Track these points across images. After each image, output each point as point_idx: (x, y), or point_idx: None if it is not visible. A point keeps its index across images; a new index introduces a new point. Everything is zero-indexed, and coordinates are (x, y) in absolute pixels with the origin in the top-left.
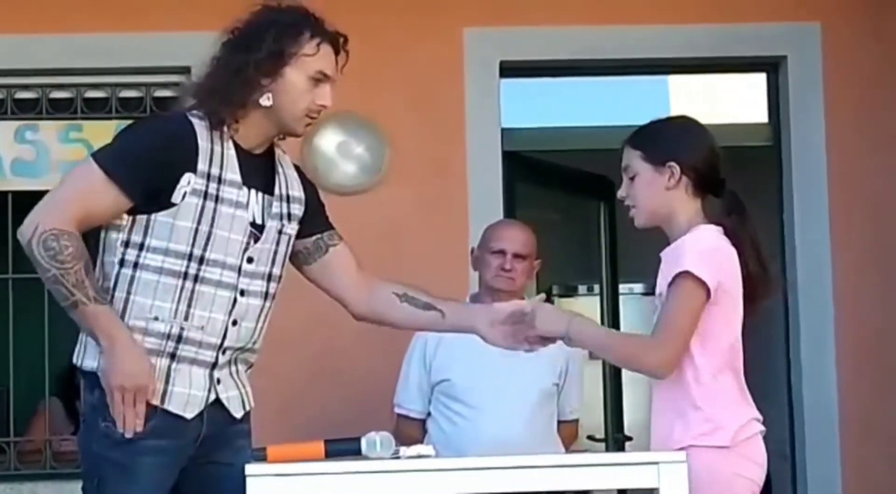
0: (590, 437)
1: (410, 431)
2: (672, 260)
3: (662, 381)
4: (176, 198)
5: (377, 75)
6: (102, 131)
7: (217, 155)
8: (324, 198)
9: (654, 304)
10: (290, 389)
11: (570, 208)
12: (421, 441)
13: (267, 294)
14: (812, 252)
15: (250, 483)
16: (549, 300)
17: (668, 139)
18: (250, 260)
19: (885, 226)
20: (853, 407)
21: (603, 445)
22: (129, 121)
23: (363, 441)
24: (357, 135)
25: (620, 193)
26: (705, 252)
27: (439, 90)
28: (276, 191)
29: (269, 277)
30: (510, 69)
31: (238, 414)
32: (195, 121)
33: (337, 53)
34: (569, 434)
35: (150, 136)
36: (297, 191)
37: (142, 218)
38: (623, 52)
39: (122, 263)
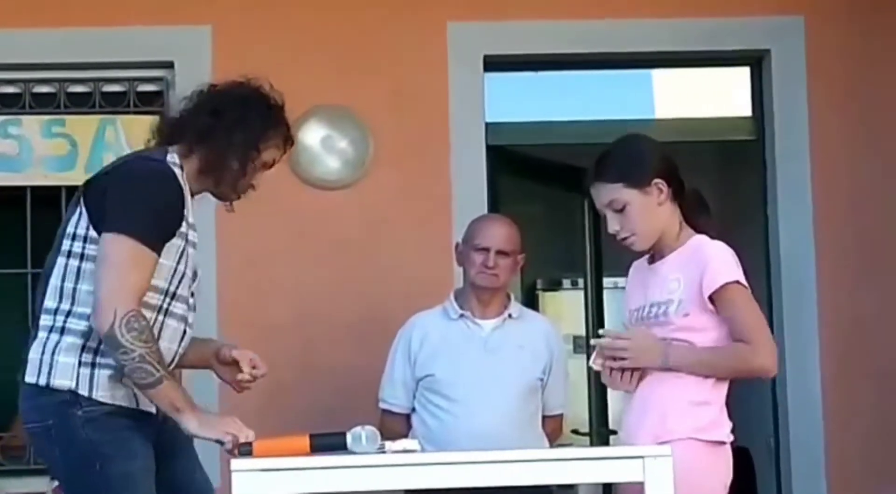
0: (574, 431)
1: (395, 426)
2: (694, 269)
3: (665, 377)
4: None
5: (361, 69)
6: (85, 125)
7: (188, 199)
8: (308, 191)
9: (656, 310)
10: (275, 383)
11: (554, 202)
12: (405, 436)
13: (192, 323)
14: (795, 246)
15: (236, 478)
16: (533, 294)
17: (641, 161)
18: (192, 294)
19: (868, 220)
20: (837, 400)
21: (587, 439)
22: (112, 116)
23: (349, 436)
24: (341, 129)
25: (613, 228)
26: (731, 260)
27: (423, 84)
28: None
29: (195, 307)
30: (494, 63)
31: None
32: (176, 171)
33: (286, 149)
34: (554, 429)
35: (162, 194)
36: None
37: None
38: (607, 46)
39: None
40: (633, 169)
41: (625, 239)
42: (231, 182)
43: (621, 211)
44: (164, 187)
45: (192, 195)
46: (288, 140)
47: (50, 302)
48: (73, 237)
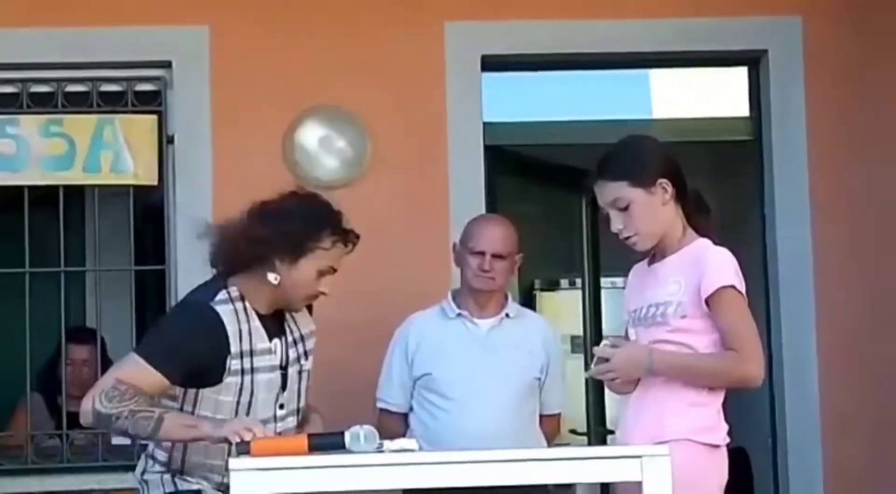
0: (572, 431)
1: (392, 425)
2: (694, 272)
3: (663, 378)
4: (222, 377)
5: (359, 69)
6: (83, 125)
7: (245, 332)
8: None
9: (654, 311)
10: None
11: (551, 202)
12: (403, 436)
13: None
14: (793, 246)
15: (234, 478)
16: (531, 294)
17: (647, 160)
18: (281, 407)
19: (866, 220)
20: (834, 401)
21: (585, 439)
22: (110, 116)
23: (347, 435)
24: (339, 129)
25: (616, 227)
26: (731, 266)
27: (421, 84)
28: (289, 337)
29: (298, 411)
30: (492, 63)
31: None
32: (220, 308)
33: (348, 250)
34: (551, 429)
35: (183, 332)
36: (309, 326)
37: (191, 392)
38: (604, 46)
39: None
40: (637, 168)
41: (627, 238)
42: (293, 291)
43: (625, 209)
44: (186, 327)
45: (267, 315)
46: (349, 241)
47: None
48: None
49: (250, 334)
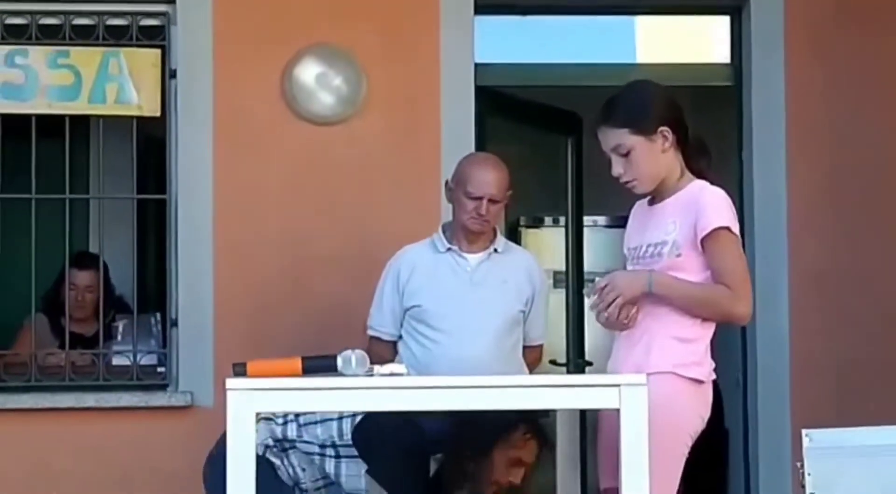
0: (552, 362)
1: (382, 352)
2: (691, 213)
3: (655, 311)
4: None
5: (356, 10)
6: (89, 57)
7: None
8: (303, 126)
9: (651, 250)
10: (266, 309)
11: (538, 142)
12: (392, 362)
13: None
14: (768, 190)
15: (231, 396)
16: (516, 231)
17: (648, 108)
18: None
19: (839, 163)
20: (803, 340)
21: (564, 369)
22: (115, 49)
23: (339, 359)
24: (335, 67)
25: (616, 171)
26: (726, 206)
27: (415, 25)
28: None
29: None
30: (484, 6)
31: None
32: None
33: None
34: (534, 359)
35: None
36: None
37: None
38: None
39: None
40: (639, 115)
41: (627, 182)
42: None
43: (626, 155)
44: None
45: None
46: None
47: None
48: None
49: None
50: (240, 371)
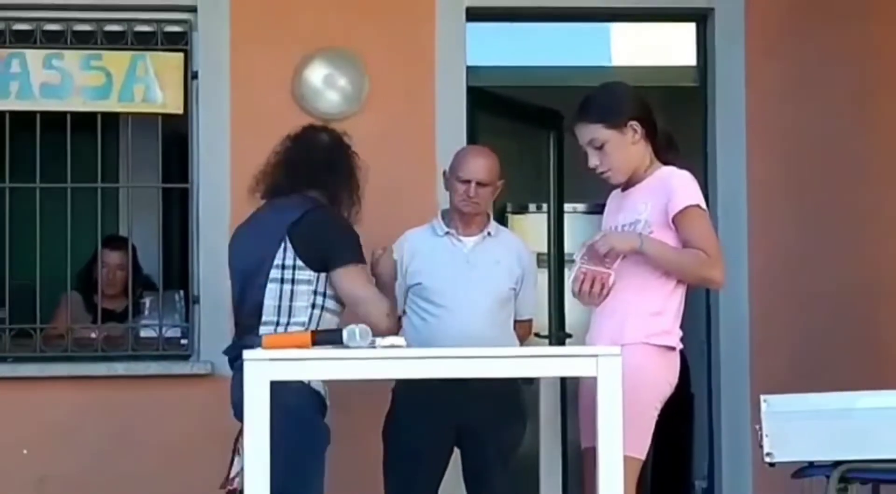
0: (536, 334)
1: None
2: (661, 195)
3: (629, 286)
4: None
5: (361, 16)
6: (119, 60)
7: None
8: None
9: (626, 229)
10: None
11: (524, 137)
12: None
13: None
14: (730, 182)
15: (248, 367)
16: (504, 216)
17: (619, 105)
18: None
19: (796, 160)
20: (763, 319)
21: (547, 342)
22: (142, 53)
23: (344, 332)
24: (341, 69)
25: (592, 163)
26: (694, 186)
27: (413, 31)
28: None
29: None
30: (476, 14)
31: None
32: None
33: None
34: (524, 332)
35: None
36: None
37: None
38: (573, 2)
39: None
40: (611, 112)
41: (602, 172)
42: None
43: (600, 148)
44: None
45: None
46: None
47: (269, 317)
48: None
49: None
50: (256, 343)
